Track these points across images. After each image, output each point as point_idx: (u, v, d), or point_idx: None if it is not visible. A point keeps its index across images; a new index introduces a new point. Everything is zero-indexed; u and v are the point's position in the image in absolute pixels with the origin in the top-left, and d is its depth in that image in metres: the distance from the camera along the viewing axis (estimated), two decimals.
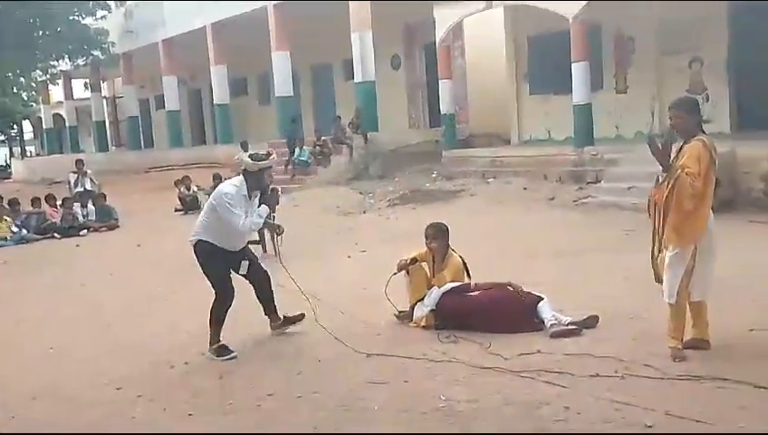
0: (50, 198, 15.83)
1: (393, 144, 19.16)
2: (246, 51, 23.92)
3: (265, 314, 6.43)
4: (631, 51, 16.29)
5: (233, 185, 6.04)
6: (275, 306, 6.45)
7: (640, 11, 15.15)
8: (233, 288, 6.05)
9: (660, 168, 5.03)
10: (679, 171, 4.85)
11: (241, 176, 6.05)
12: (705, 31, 14.64)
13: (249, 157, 6.10)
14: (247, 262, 6.18)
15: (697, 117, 5.08)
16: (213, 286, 6.02)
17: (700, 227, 4.96)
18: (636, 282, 6.96)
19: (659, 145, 4.96)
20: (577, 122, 15.13)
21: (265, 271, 6.39)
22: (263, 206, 6.08)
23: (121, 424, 4.72)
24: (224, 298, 5.99)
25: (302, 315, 6.49)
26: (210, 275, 6.03)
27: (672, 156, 4.99)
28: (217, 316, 5.99)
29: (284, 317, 6.47)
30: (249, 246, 6.46)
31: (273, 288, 6.43)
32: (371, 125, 19.31)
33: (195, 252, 6.07)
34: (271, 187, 6.22)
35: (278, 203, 6.39)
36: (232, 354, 5.87)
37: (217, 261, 6.00)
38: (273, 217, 6.36)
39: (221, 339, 5.97)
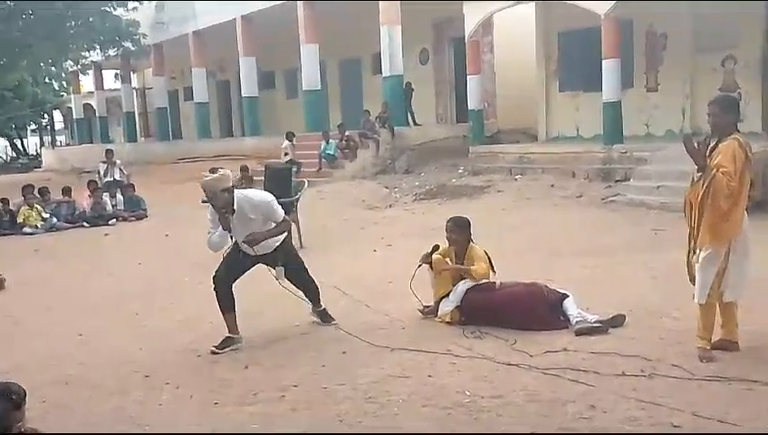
0: (91, 184, 15.92)
1: (420, 139, 19.15)
2: (275, 44, 24.02)
3: (309, 300, 6.58)
4: (663, 48, 16.11)
5: None
6: (317, 295, 6.55)
7: (673, 8, 14.96)
8: (229, 275, 6.08)
9: (695, 167, 4.97)
10: (715, 171, 4.80)
11: None
12: (740, 29, 14.43)
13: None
14: (282, 269, 6.22)
15: (735, 116, 5.02)
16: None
17: (735, 227, 4.90)
18: (664, 281, 6.91)
19: (696, 144, 4.90)
20: (606, 120, 15.01)
21: (305, 270, 6.45)
22: (240, 225, 5.89)
23: (149, 411, 4.77)
24: (216, 275, 6.08)
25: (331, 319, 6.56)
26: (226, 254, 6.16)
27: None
28: (219, 302, 6.07)
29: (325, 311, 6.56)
30: (288, 248, 6.38)
31: (308, 283, 6.48)
32: (399, 120, 19.31)
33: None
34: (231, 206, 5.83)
35: (228, 224, 5.83)
36: (233, 346, 5.93)
37: (233, 254, 6.12)
38: (231, 236, 5.99)
39: (237, 330, 6.05)
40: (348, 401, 4.72)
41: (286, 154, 18.77)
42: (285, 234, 6.22)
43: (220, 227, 5.83)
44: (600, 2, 14.25)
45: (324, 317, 6.52)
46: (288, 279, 6.35)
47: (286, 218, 6.15)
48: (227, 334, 6.01)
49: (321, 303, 6.56)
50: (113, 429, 4.54)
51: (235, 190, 5.87)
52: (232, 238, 5.97)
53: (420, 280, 6.52)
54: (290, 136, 19.24)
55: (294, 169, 17.52)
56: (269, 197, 6.13)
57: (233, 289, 6.10)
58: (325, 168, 18.33)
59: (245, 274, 6.22)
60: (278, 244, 6.13)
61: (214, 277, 6.10)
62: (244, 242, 5.91)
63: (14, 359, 6.02)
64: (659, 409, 4.26)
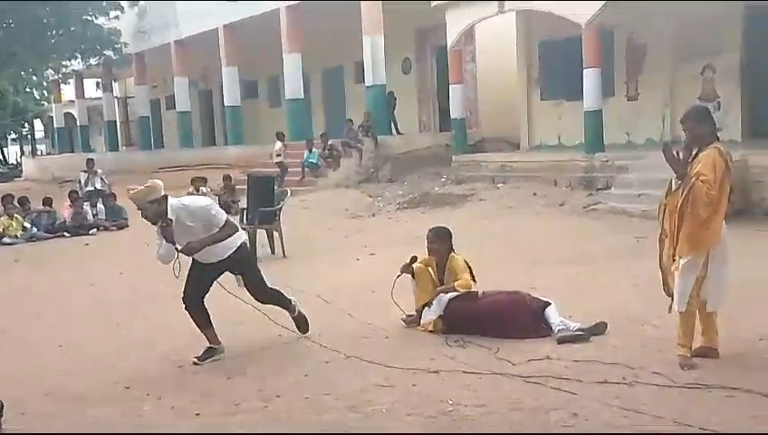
0: (72, 194, 15.80)
1: (403, 148, 19.19)
2: (258, 53, 23.99)
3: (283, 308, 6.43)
4: (643, 57, 16.27)
5: None
6: (287, 302, 6.38)
7: (653, 17, 15.12)
8: (193, 295, 5.94)
9: (674, 175, 5.02)
10: (694, 179, 4.84)
11: None
12: (719, 38, 14.59)
13: None
14: (240, 277, 6.09)
15: (710, 125, 5.06)
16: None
17: (714, 235, 4.94)
18: (645, 289, 6.94)
19: (674, 153, 4.95)
20: (588, 128, 15.11)
21: (261, 279, 6.21)
22: (177, 235, 5.72)
23: (129, 422, 4.73)
24: (184, 295, 5.97)
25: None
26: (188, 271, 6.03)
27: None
28: (193, 321, 5.98)
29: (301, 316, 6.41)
30: (244, 255, 6.09)
31: (269, 294, 6.27)
32: (382, 129, 19.34)
33: None
34: (164, 219, 5.67)
35: (170, 233, 5.67)
36: (215, 357, 5.87)
37: (195, 268, 5.99)
38: (176, 247, 5.72)
39: (217, 339, 5.98)
40: (331, 410, 4.70)
41: (279, 156, 18.82)
42: (241, 241, 5.99)
43: (164, 239, 5.69)
44: (581, 12, 14.36)
45: (300, 323, 6.35)
46: (249, 290, 6.17)
47: (230, 223, 5.88)
48: (209, 345, 5.95)
49: (296, 307, 6.38)
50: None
51: (170, 199, 5.69)
52: (178, 249, 5.76)
53: (402, 288, 6.52)
54: (281, 136, 19.35)
55: (277, 177, 17.61)
56: (206, 202, 5.98)
57: (204, 303, 5.96)
58: (308, 176, 18.32)
59: (214, 284, 6.05)
60: (231, 252, 5.90)
61: (183, 298, 5.96)
62: (180, 252, 5.73)
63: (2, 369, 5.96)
64: (641, 416, 4.28)
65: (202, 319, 5.96)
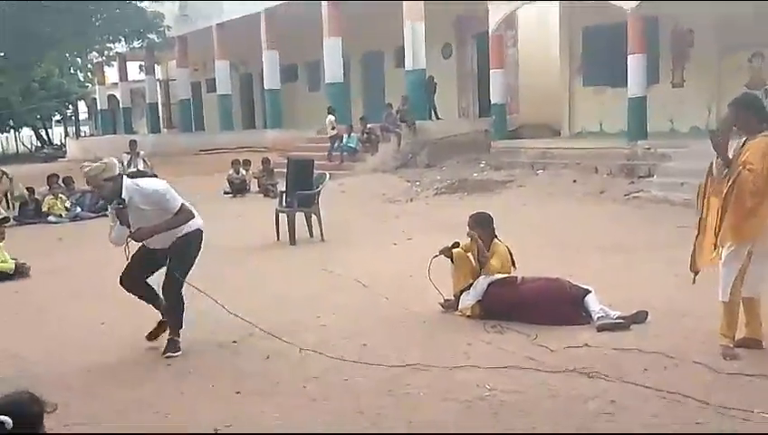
0: None
1: (442, 133, 19.12)
2: (298, 37, 24.06)
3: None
4: (689, 45, 15.97)
5: None
6: (175, 323, 5.81)
7: (700, 4, 14.81)
8: (130, 276, 5.81)
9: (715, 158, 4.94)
10: (741, 168, 4.75)
11: None
12: (767, 26, 14.25)
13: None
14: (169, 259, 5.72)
15: (759, 113, 4.95)
16: None
17: (759, 225, 4.85)
18: (687, 279, 6.79)
19: (721, 139, 4.86)
20: (631, 115, 14.91)
21: (173, 280, 5.72)
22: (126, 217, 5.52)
23: (171, 399, 4.81)
24: (120, 279, 5.84)
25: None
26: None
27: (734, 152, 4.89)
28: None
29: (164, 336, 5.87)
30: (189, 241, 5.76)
31: (171, 305, 5.81)
32: (421, 113, 19.29)
33: None
34: (117, 200, 5.49)
35: (124, 216, 5.49)
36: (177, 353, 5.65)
37: (140, 250, 5.80)
38: (130, 230, 5.53)
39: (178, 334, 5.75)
40: (368, 393, 4.72)
41: (333, 129, 19.04)
42: (192, 229, 5.71)
43: (118, 222, 5.53)
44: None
45: (170, 347, 5.70)
46: (165, 278, 5.74)
47: (185, 209, 5.64)
48: (170, 337, 5.73)
49: (176, 330, 5.78)
50: (135, 418, 4.57)
51: (125, 179, 5.53)
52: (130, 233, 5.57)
53: (439, 275, 6.51)
54: (331, 110, 19.52)
55: (337, 143, 17.78)
56: (162, 185, 5.68)
57: (144, 285, 5.81)
58: (346, 160, 18.36)
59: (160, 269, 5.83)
60: (176, 237, 5.65)
61: (120, 278, 5.81)
62: (128, 237, 5.55)
63: (40, 347, 6.09)
64: (682, 406, 4.23)
65: (146, 295, 5.85)
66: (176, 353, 5.65)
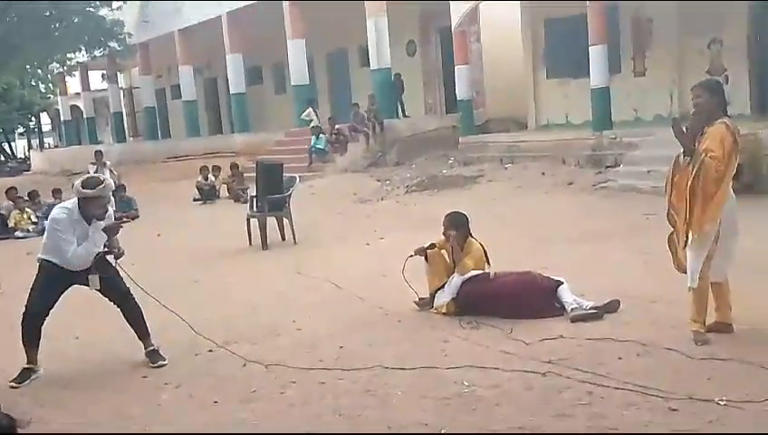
0: None
1: (409, 131, 19.18)
2: (261, 39, 23.95)
3: (138, 337, 5.81)
4: (649, 33, 16.16)
5: (64, 209, 5.46)
6: (146, 329, 5.80)
7: None
8: (46, 304, 5.57)
9: (681, 150, 5.01)
10: (703, 155, 4.82)
11: (75, 199, 5.44)
12: (726, 12, 14.48)
13: (81, 182, 5.44)
14: (96, 276, 5.54)
15: (720, 99, 5.05)
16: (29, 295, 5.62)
17: (720, 207, 4.92)
18: (656, 266, 6.93)
19: (683, 128, 4.93)
20: (595, 106, 15.07)
21: (126, 289, 5.74)
22: (98, 234, 5.47)
23: (148, 410, 4.77)
24: (28, 309, 5.57)
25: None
26: (33, 284, 5.63)
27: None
28: (24, 332, 5.57)
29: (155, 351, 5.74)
30: (109, 258, 5.68)
31: (136, 309, 5.78)
32: (388, 112, 19.31)
33: (38, 270, 5.64)
34: (113, 215, 5.63)
35: (118, 232, 5.61)
36: (33, 377, 5.49)
37: (52, 277, 5.56)
38: (118, 245, 5.62)
39: (37, 360, 5.57)
40: (347, 394, 4.73)
41: (311, 120, 19.14)
42: None
43: (97, 235, 5.44)
44: None
45: (153, 358, 5.68)
46: (105, 294, 5.72)
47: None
48: (25, 365, 5.53)
49: (152, 341, 5.77)
50: (114, 429, 4.54)
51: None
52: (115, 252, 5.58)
53: (414, 271, 6.53)
54: (312, 102, 19.59)
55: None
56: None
57: (44, 322, 5.58)
58: (316, 162, 18.32)
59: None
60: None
61: (25, 312, 5.56)
62: (111, 255, 5.55)
63: (12, 362, 6.00)
64: (656, 392, 4.29)
65: (34, 338, 5.59)
66: (165, 361, 5.64)
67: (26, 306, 5.60)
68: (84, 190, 5.35)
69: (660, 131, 12.57)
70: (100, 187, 5.39)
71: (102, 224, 5.51)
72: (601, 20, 14.69)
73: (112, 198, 15.94)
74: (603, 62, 14.81)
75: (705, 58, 15.09)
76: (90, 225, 5.46)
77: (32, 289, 5.63)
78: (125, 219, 5.53)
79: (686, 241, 5.01)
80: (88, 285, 5.61)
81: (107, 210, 5.54)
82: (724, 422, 3.90)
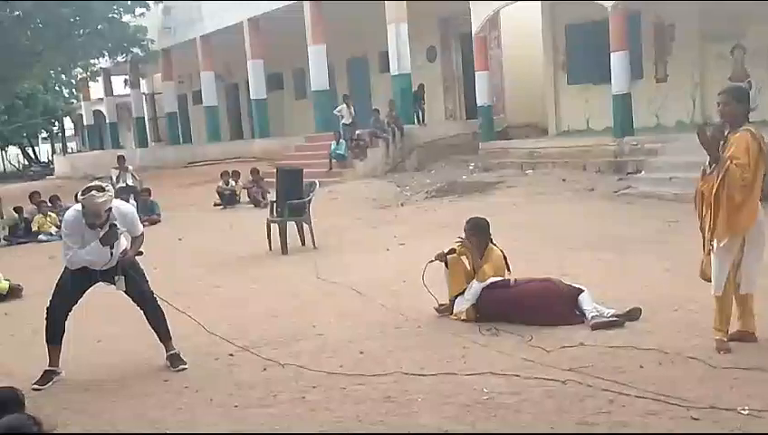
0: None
1: (430, 136, 19.17)
2: (282, 45, 24.08)
3: (160, 340, 5.87)
4: (671, 38, 16.07)
5: (75, 210, 5.51)
6: (168, 332, 5.86)
7: None
8: (68, 302, 5.68)
9: (707, 158, 4.97)
10: (729, 163, 4.78)
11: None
12: (748, 17, 14.37)
13: (83, 190, 5.42)
14: (123, 278, 5.64)
15: (746, 106, 5.01)
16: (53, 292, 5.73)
17: (749, 218, 4.90)
18: (678, 273, 6.89)
19: (709, 135, 4.89)
20: (616, 112, 14.99)
21: (150, 291, 5.83)
22: (95, 242, 5.47)
23: (170, 414, 4.81)
24: (51, 305, 5.69)
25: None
26: (58, 281, 5.74)
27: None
28: (47, 329, 5.68)
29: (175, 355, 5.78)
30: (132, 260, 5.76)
31: (159, 312, 5.85)
32: (407, 118, 19.33)
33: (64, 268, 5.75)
34: (110, 223, 5.48)
35: (116, 239, 5.54)
36: (55, 379, 5.58)
37: (76, 275, 5.64)
38: (111, 252, 5.55)
39: (59, 363, 5.67)
40: (367, 401, 4.74)
41: (342, 117, 19.13)
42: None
43: (93, 243, 5.44)
44: None
45: (174, 362, 5.73)
46: (129, 295, 5.80)
47: (143, 232, 5.89)
48: (47, 367, 5.63)
49: (173, 344, 5.82)
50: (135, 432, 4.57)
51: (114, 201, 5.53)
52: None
53: (433, 279, 6.53)
54: (346, 98, 19.59)
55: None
56: (132, 208, 5.83)
57: (66, 319, 5.70)
58: (336, 168, 18.37)
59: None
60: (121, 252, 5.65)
61: (48, 308, 5.67)
62: (122, 259, 5.58)
63: (36, 367, 6.07)
64: (678, 400, 4.26)
65: (57, 335, 5.69)
66: (186, 365, 5.68)
67: (50, 302, 5.74)
68: (81, 197, 5.38)
69: (682, 137, 12.49)
70: (89, 194, 5.31)
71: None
72: (623, 26, 14.62)
73: (134, 202, 16.17)
74: (625, 68, 14.73)
75: (728, 63, 14.98)
76: (93, 230, 5.49)
77: (56, 286, 5.76)
78: (118, 227, 5.48)
79: (711, 248, 4.97)
80: (114, 285, 5.70)
81: (102, 219, 5.44)
82: (747, 432, 3.86)
